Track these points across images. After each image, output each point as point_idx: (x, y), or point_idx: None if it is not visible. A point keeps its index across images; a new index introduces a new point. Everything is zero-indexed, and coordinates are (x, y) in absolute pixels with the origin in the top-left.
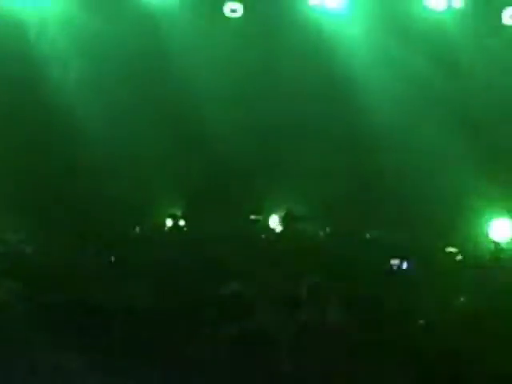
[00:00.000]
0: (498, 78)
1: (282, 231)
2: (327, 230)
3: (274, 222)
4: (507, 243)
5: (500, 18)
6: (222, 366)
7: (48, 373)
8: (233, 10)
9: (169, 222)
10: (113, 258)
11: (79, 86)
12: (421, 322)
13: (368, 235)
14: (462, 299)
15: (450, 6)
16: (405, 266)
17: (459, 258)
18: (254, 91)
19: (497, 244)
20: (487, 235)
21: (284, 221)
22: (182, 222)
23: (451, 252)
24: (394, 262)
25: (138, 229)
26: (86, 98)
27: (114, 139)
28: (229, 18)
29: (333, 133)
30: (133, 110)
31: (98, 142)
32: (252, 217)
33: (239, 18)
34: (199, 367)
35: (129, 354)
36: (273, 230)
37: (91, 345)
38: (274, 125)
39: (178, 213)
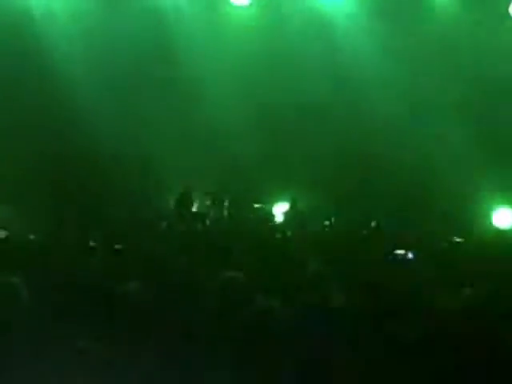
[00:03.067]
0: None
1: (286, 220)
2: (332, 220)
3: (278, 211)
4: (510, 231)
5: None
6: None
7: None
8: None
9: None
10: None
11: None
12: (424, 310)
13: (373, 224)
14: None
15: None
16: (410, 256)
17: (464, 247)
18: (258, 81)
19: (500, 232)
20: (491, 224)
21: (289, 210)
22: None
23: (457, 242)
24: (399, 252)
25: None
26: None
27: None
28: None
29: (336, 126)
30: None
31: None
32: (256, 205)
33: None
34: (193, 357)
35: (117, 335)
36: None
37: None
38: (279, 116)
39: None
